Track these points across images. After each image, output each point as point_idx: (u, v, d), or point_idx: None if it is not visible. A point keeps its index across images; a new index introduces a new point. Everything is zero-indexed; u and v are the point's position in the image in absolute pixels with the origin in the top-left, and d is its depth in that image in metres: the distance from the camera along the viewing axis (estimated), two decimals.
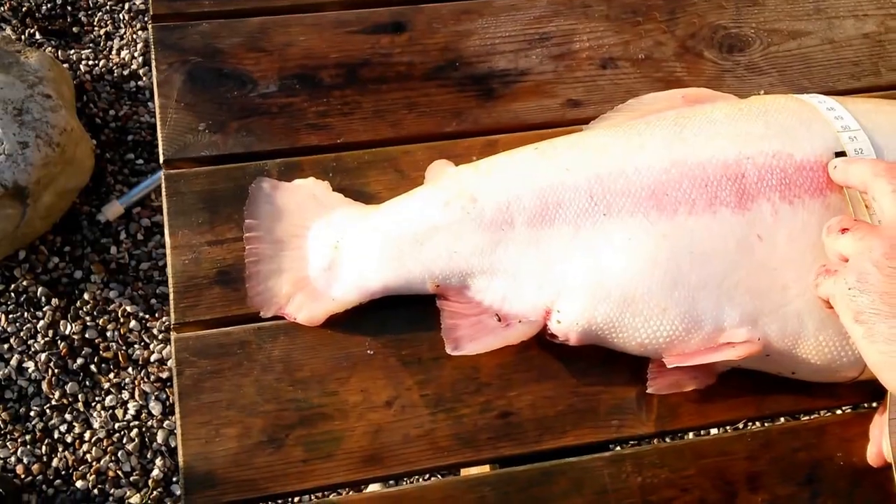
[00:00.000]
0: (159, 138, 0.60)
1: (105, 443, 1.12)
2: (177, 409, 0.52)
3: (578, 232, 0.52)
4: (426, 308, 0.54)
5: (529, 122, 0.63)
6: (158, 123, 0.60)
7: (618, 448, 0.54)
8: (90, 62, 1.37)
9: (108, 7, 1.41)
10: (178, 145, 0.59)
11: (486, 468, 0.56)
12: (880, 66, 0.69)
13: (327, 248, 0.55)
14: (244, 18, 0.65)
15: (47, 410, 1.14)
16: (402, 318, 0.55)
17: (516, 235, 0.53)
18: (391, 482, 0.53)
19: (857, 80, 0.68)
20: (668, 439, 0.55)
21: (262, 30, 0.64)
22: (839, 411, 0.56)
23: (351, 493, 0.53)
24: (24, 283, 1.20)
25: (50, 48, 1.38)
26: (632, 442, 0.54)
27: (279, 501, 0.51)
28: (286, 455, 0.51)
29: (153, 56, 0.63)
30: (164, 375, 1.17)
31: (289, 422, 0.52)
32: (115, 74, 1.36)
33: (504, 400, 0.54)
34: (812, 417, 0.56)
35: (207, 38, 0.64)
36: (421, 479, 0.58)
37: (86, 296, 1.19)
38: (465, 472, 0.63)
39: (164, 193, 0.58)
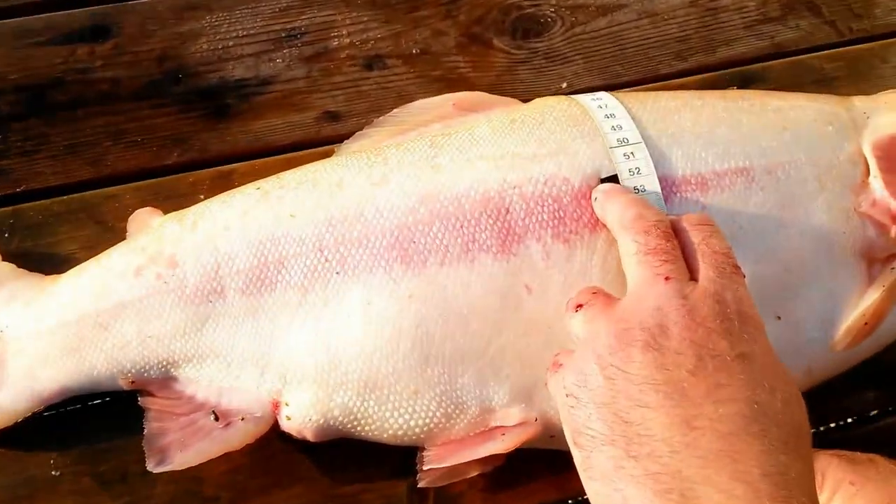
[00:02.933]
0: None
1: None
2: None
3: (306, 297, 0.40)
4: (128, 407, 0.42)
5: (275, 143, 0.51)
6: None
7: None
8: None
9: None
10: None
11: None
12: (713, 40, 0.59)
13: None
14: None
15: None
16: (95, 424, 0.42)
17: (229, 308, 0.41)
18: None
19: (683, 61, 0.58)
20: None
21: None
22: None
23: None
24: None
25: None
26: None
27: None
28: None
29: None
30: None
31: None
32: None
33: None
34: None
35: None
36: None
37: None
38: None
39: None
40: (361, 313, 0.39)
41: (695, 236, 0.35)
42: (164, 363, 0.41)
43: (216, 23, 0.53)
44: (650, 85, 0.57)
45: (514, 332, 0.39)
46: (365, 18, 0.55)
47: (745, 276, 0.34)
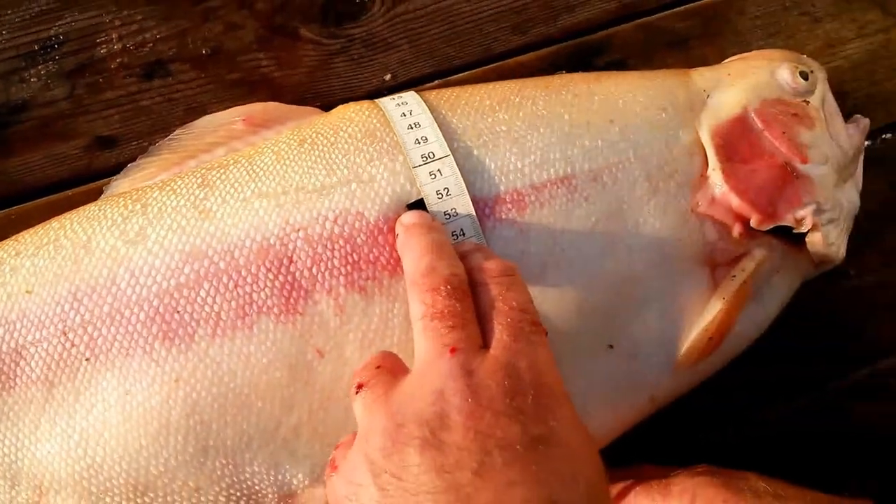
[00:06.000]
0: None
1: None
2: None
3: (53, 392, 0.33)
4: None
5: (32, 184, 0.43)
6: None
7: None
8: None
9: None
10: None
11: None
12: (553, 7, 0.52)
13: None
14: None
15: None
16: None
17: None
18: None
19: (522, 34, 0.51)
20: None
21: None
22: None
23: None
24: None
25: None
26: None
27: None
28: None
29: None
30: None
31: None
32: None
33: None
34: None
35: None
36: None
37: None
38: None
39: None
40: (120, 406, 0.33)
41: (493, 291, 0.29)
42: None
43: None
44: (487, 67, 0.50)
45: (307, 408, 0.34)
46: (139, 17, 0.46)
47: (546, 333, 0.29)
